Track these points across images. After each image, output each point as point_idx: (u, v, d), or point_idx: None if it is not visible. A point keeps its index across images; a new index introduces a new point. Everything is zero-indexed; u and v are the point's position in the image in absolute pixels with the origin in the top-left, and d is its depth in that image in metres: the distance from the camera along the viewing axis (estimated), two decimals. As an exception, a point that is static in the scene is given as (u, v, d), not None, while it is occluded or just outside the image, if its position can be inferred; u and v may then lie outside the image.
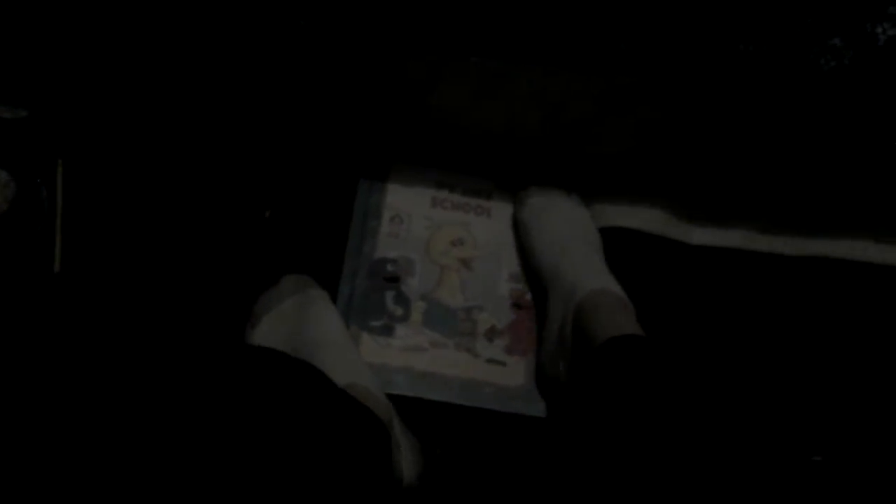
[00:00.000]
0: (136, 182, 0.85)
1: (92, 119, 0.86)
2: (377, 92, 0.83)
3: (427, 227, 0.86)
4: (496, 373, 0.80)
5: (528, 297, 0.84)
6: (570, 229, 0.80)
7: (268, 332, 0.74)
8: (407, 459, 0.70)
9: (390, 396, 0.77)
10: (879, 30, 0.64)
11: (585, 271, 0.76)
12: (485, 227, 0.87)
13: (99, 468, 0.48)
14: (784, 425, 0.81)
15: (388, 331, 0.81)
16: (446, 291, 0.83)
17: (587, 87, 0.81)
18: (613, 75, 0.78)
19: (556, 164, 0.88)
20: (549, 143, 0.87)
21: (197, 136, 0.87)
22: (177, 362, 0.59)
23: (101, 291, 0.81)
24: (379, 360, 0.79)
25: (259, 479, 0.50)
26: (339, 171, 0.88)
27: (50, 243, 0.81)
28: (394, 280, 0.83)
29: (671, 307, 0.85)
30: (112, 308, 0.81)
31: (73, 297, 0.81)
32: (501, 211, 0.88)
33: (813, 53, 0.67)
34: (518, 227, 0.85)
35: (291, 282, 0.78)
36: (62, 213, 0.82)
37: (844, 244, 0.84)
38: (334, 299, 0.81)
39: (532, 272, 0.83)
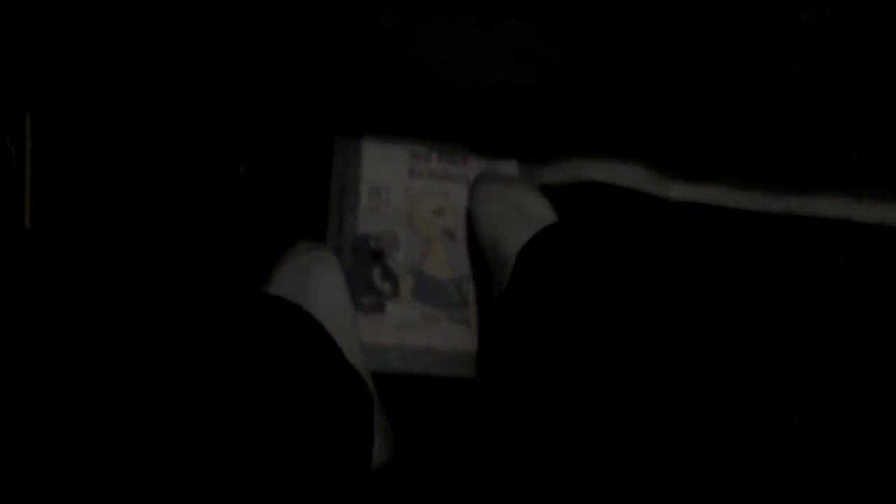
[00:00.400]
0: (106, 136, 0.81)
1: (60, 70, 0.80)
2: (350, 45, 0.80)
3: (407, 199, 0.84)
4: (491, 342, 0.80)
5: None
6: (510, 210, 0.78)
7: (276, 290, 0.72)
8: (379, 445, 0.69)
9: (385, 375, 0.76)
10: (861, -18, 0.65)
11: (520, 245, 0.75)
12: (464, 195, 0.85)
13: (72, 421, 0.47)
14: (764, 388, 0.83)
15: (378, 308, 0.79)
16: (433, 263, 0.82)
17: (560, 37, 0.80)
18: (587, 23, 0.77)
19: (529, 122, 0.87)
20: (522, 98, 0.85)
21: (169, 88, 0.83)
22: (162, 312, 0.57)
23: (73, 247, 0.78)
24: (373, 338, 0.78)
25: (246, 428, 0.49)
26: (314, 126, 0.85)
27: (19, 198, 0.77)
28: (379, 256, 0.81)
29: (648, 263, 0.86)
30: (84, 263, 0.78)
31: (45, 253, 0.77)
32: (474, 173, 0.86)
33: (793, 5, 0.68)
34: (468, 218, 0.83)
35: (306, 245, 0.76)
36: (31, 167, 0.78)
37: (825, 202, 0.85)
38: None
39: (479, 258, 0.81)
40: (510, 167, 0.88)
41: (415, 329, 0.79)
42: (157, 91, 0.83)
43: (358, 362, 0.70)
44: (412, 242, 0.82)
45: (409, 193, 0.84)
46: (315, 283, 0.71)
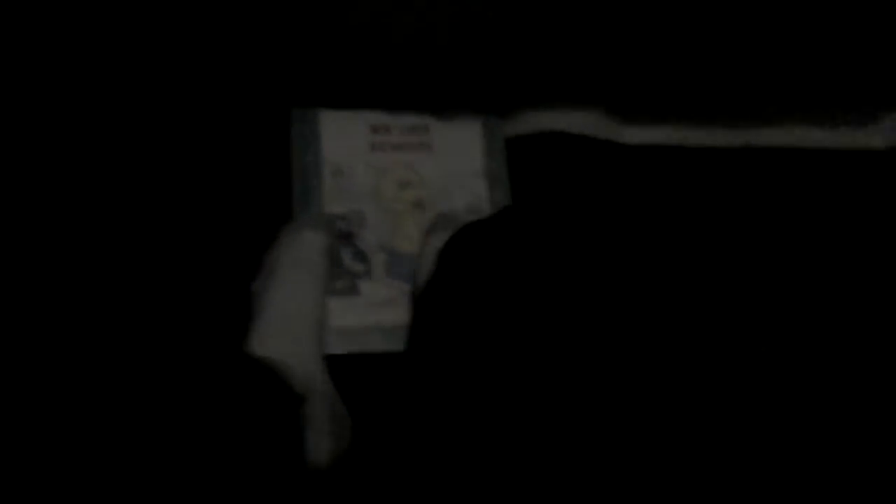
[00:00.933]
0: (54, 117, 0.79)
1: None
2: (297, 15, 0.78)
3: (371, 175, 0.82)
4: (469, 312, 0.79)
5: (486, 227, 0.82)
6: None
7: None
8: (321, 439, 0.67)
9: (366, 356, 0.75)
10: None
11: None
12: (429, 163, 0.84)
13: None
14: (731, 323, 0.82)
15: (352, 290, 0.78)
16: (404, 238, 0.81)
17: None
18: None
19: (484, 78, 0.85)
20: (477, 54, 0.83)
21: (119, 69, 0.81)
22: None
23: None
24: (350, 322, 0.77)
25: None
26: (269, 101, 0.83)
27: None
28: (348, 236, 0.80)
29: (608, 212, 0.85)
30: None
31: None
32: (443, 142, 0.85)
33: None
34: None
35: (296, 224, 0.75)
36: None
37: (788, 131, 0.84)
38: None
39: None
40: (475, 126, 0.86)
41: (391, 306, 0.78)
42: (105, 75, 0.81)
43: (306, 354, 0.68)
44: (380, 219, 0.81)
45: (372, 170, 0.82)
46: (282, 276, 0.70)
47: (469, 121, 0.86)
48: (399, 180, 0.82)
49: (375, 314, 0.78)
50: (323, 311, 0.72)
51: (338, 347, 0.75)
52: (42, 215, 0.76)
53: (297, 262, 0.72)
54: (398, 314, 0.78)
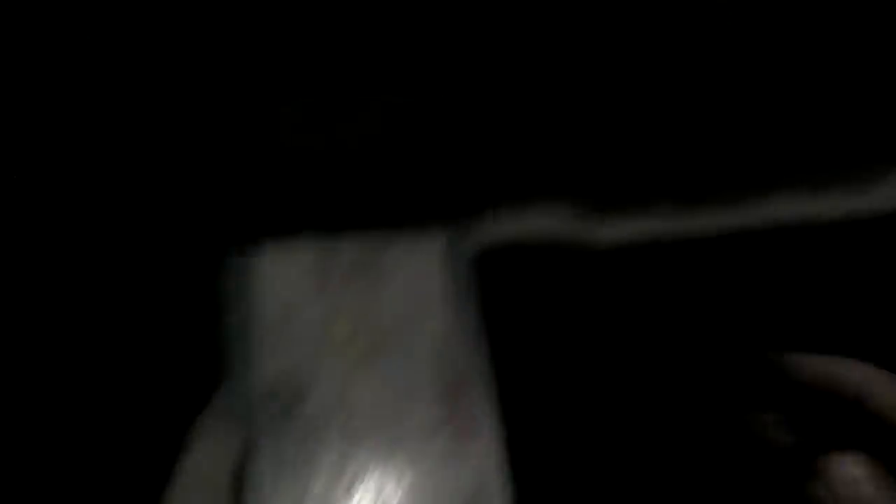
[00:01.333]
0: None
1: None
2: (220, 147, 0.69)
3: (320, 318, 0.70)
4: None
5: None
6: None
7: None
8: None
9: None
10: None
11: None
12: (385, 295, 0.71)
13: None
14: None
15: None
16: (358, 402, 0.68)
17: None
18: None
19: (432, 180, 0.74)
20: (416, 157, 0.73)
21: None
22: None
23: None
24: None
25: None
26: (196, 242, 0.74)
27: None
28: (293, 403, 0.67)
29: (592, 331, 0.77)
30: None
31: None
32: (398, 267, 0.72)
33: None
34: None
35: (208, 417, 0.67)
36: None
37: (779, 205, 0.70)
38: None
39: None
40: (433, 244, 0.74)
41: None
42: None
43: None
44: (331, 377, 0.68)
45: (320, 310, 0.70)
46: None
47: (426, 237, 0.73)
48: (351, 320, 0.70)
49: None
50: None
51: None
52: None
53: (183, 486, 0.61)
54: None
